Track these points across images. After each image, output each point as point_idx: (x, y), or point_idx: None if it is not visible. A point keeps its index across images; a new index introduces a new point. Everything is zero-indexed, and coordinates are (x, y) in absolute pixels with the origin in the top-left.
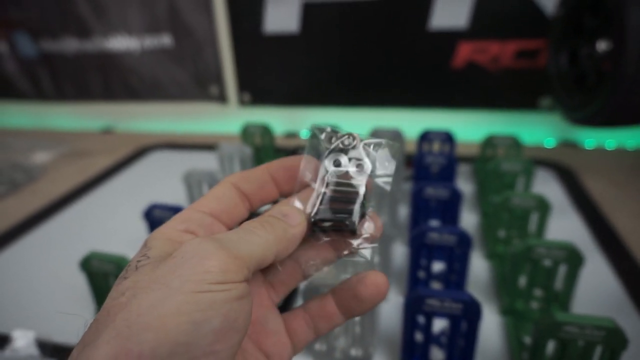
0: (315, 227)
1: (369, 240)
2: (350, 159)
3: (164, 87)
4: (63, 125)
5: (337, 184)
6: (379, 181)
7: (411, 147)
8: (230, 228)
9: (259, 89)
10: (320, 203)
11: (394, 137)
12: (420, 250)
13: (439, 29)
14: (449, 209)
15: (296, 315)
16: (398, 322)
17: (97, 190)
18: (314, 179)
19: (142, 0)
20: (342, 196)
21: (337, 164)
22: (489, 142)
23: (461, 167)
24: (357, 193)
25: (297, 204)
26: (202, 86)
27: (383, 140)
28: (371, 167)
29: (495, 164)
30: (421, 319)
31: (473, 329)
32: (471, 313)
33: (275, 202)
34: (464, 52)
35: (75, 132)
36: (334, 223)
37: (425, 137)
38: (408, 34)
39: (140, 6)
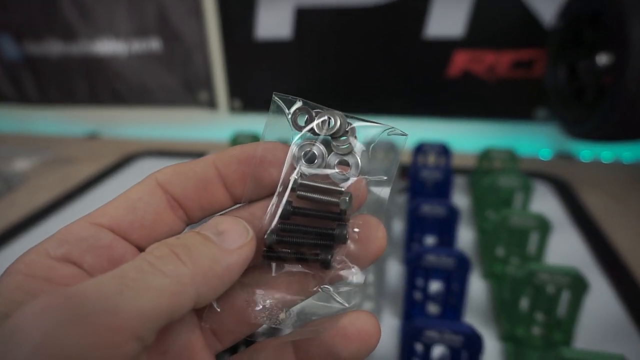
0: (268, 252)
1: (352, 274)
2: (330, 151)
3: (152, 92)
4: (46, 130)
5: (308, 188)
6: (374, 186)
7: (405, 157)
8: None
9: (251, 95)
10: (281, 217)
11: (388, 147)
12: (417, 271)
13: (435, 37)
14: (446, 226)
15: None
16: (394, 344)
17: (81, 200)
18: (278, 177)
19: (130, 4)
20: (313, 207)
21: (309, 158)
22: (486, 155)
23: (457, 178)
24: (335, 204)
25: (247, 216)
26: (191, 92)
27: (383, 126)
28: (360, 165)
29: (491, 180)
30: (419, 347)
31: None
32: (472, 346)
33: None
34: (460, 62)
35: (59, 138)
36: (298, 250)
37: (420, 149)
38: (403, 42)
39: (128, 9)
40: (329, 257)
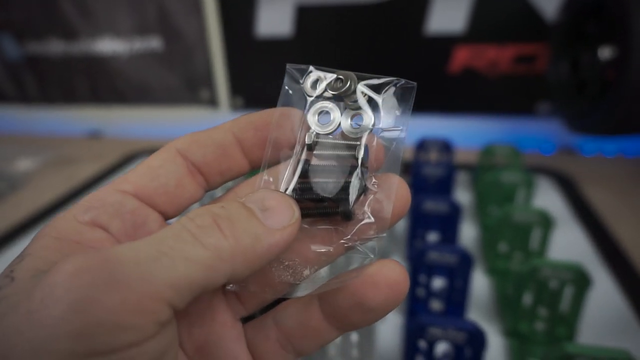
0: None
1: (375, 227)
2: (343, 110)
3: (153, 91)
4: (48, 130)
5: (325, 146)
6: (387, 138)
7: (408, 153)
8: (169, 217)
9: (252, 93)
10: (300, 176)
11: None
12: (420, 268)
13: (436, 33)
14: (448, 223)
15: (266, 336)
16: (398, 341)
17: None
18: (295, 140)
19: (130, 2)
20: (331, 165)
21: (323, 118)
22: (488, 151)
23: (459, 174)
24: (353, 158)
25: (267, 179)
26: (192, 90)
27: (391, 79)
28: (373, 120)
29: (494, 176)
30: (423, 344)
31: (477, 357)
32: (475, 342)
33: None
34: (461, 57)
35: (61, 138)
36: (318, 205)
37: (422, 145)
38: (404, 39)
39: (129, 8)
40: (349, 207)
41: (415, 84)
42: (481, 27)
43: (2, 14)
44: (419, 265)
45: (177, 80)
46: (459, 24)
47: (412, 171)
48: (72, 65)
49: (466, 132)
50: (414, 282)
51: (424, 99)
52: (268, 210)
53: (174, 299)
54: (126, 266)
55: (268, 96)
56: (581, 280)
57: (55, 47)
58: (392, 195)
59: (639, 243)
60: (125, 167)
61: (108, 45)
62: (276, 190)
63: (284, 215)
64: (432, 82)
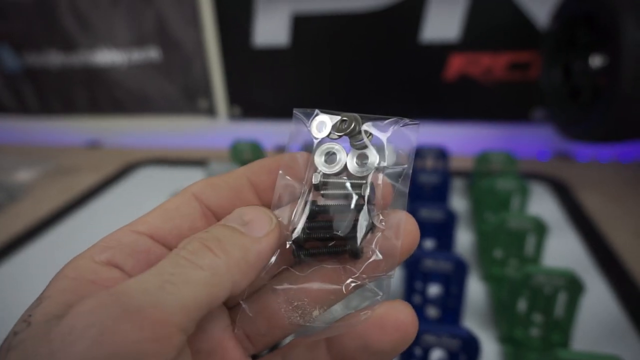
0: (298, 251)
1: (384, 264)
2: (349, 151)
3: (152, 101)
4: (48, 141)
5: (332, 186)
6: (392, 174)
7: (403, 161)
8: None
9: (250, 102)
10: (308, 217)
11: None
12: (415, 275)
13: (431, 41)
14: (444, 230)
15: None
16: None
17: (84, 210)
18: (302, 182)
19: (128, 14)
20: (338, 204)
21: (330, 159)
22: (483, 158)
23: (455, 181)
24: (359, 197)
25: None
26: (190, 100)
27: (394, 119)
28: (378, 159)
29: (489, 183)
30: (417, 351)
31: None
32: (469, 349)
33: None
34: (456, 65)
35: (60, 148)
36: (327, 244)
37: (418, 153)
38: (399, 47)
39: (127, 19)
40: (357, 245)
41: (418, 122)
42: (475, 35)
43: (1, 26)
44: (414, 272)
45: (176, 90)
46: (453, 32)
47: None
48: (71, 76)
49: (461, 140)
50: (410, 289)
51: (419, 107)
52: (248, 224)
53: (183, 321)
54: (135, 297)
55: (265, 105)
56: (574, 286)
57: (54, 58)
58: (399, 231)
59: (634, 249)
60: (124, 177)
61: (107, 56)
62: (255, 205)
63: (264, 223)
64: (428, 90)
